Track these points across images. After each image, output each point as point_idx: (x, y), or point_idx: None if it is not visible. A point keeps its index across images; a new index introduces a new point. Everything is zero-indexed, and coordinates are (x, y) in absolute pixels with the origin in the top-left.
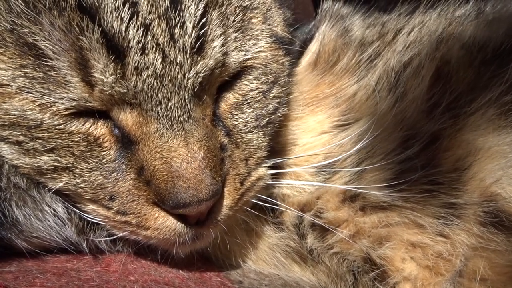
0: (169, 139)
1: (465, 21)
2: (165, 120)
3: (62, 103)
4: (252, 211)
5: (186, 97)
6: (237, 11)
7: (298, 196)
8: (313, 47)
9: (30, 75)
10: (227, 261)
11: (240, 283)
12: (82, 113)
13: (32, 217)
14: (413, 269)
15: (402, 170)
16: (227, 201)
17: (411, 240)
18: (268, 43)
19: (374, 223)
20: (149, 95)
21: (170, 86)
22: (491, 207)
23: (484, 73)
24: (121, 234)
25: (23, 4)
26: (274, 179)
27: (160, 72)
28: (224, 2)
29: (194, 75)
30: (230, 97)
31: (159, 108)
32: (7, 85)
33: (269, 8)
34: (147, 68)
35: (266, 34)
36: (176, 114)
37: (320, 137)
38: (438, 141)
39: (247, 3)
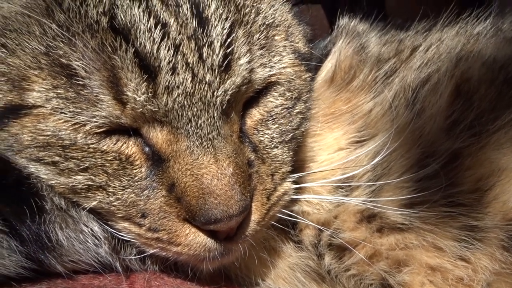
0: (199, 156)
1: (484, 39)
2: (195, 138)
3: (95, 121)
4: (277, 224)
5: (215, 115)
6: (261, 29)
7: (317, 214)
8: (329, 64)
9: (63, 95)
10: (247, 280)
11: None
12: (114, 131)
13: (74, 240)
14: None
15: (420, 189)
16: (255, 216)
17: (430, 264)
18: (291, 60)
19: (392, 245)
20: (180, 114)
21: (199, 104)
22: None
23: (507, 92)
24: (152, 251)
25: (57, 28)
26: (295, 195)
27: (190, 90)
28: (249, 21)
29: (223, 93)
30: (256, 114)
31: (189, 126)
32: (42, 106)
33: (290, 25)
34: (178, 87)
35: (290, 51)
36: (206, 132)
37: (337, 154)
38: (459, 160)
39: (270, 21)
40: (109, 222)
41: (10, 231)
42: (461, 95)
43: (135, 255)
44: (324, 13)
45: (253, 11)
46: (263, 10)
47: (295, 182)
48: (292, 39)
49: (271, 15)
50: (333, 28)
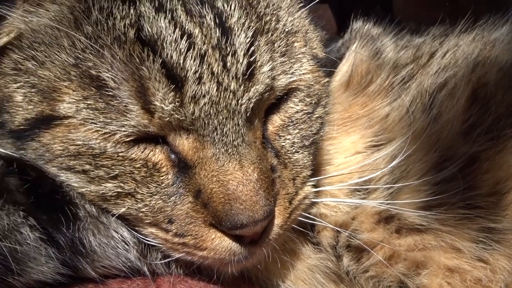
0: (225, 163)
1: (501, 45)
2: (221, 145)
3: (124, 130)
4: (296, 227)
5: (239, 122)
6: (282, 36)
7: (335, 216)
8: (344, 67)
9: (93, 106)
10: (268, 282)
11: None
12: (141, 139)
13: (105, 246)
14: None
15: (439, 192)
16: (278, 220)
17: (448, 265)
18: (310, 66)
19: (410, 246)
20: (206, 122)
21: (225, 112)
22: None
23: None
24: (178, 256)
25: (86, 40)
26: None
27: (216, 99)
28: (270, 29)
29: (247, 100)
30: (277, 120)
31: (215, 134)
32: (72, 117)
33: (308, 30)
34: (204, 96)
35: (309, 57)
36: (231, 139)
37: (354, 157)
38: (476, 163)
39: (289, 28)
40: (136, 228)
41: (48, 238)
42: (478, 100)
43: (160, 259)
44: (332, 13)
45: (273, 19)
46: (282, 17)
47: (314, 186)
48: (310, 44)
49: (290, 22)
50: (342, 29)
